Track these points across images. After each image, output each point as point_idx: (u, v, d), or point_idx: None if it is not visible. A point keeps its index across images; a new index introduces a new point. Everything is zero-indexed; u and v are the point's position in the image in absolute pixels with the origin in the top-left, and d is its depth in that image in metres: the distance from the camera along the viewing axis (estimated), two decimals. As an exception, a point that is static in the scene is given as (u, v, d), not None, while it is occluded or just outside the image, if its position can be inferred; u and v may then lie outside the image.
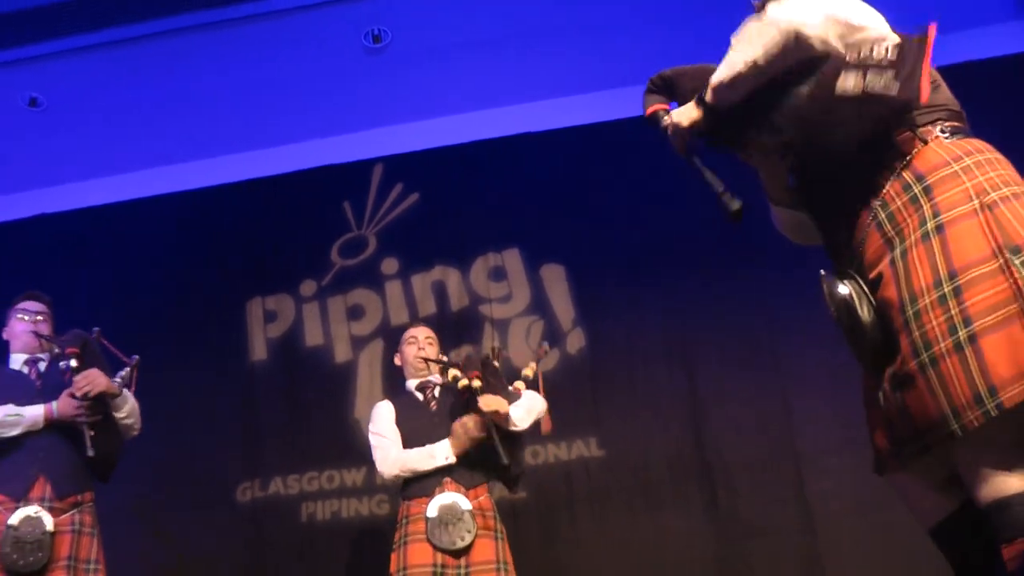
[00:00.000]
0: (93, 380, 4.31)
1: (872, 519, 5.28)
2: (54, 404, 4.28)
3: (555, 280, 6.47)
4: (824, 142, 2.50)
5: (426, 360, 4.79)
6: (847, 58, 2.42)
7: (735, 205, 2.64)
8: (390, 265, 6.73)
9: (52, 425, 4.31)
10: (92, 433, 4.22)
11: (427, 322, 5.21)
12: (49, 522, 4.16)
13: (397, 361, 5.01)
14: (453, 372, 4.53)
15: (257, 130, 7.32)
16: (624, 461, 5.92)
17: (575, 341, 6.27)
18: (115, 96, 6.90)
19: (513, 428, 4.49)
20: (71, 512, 4.30)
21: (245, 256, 7.17)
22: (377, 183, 7.09)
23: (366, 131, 7.32)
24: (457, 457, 4.45)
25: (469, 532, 4.31)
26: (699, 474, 5.77)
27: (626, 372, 6.10)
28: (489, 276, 6.59)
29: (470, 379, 4.46)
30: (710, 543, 5.61)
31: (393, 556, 4.44)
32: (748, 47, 2.53)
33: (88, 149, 7.43)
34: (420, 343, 4.86)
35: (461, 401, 4.55)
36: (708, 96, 2.68)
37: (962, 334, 2.16)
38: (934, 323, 2.22)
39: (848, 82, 2.40)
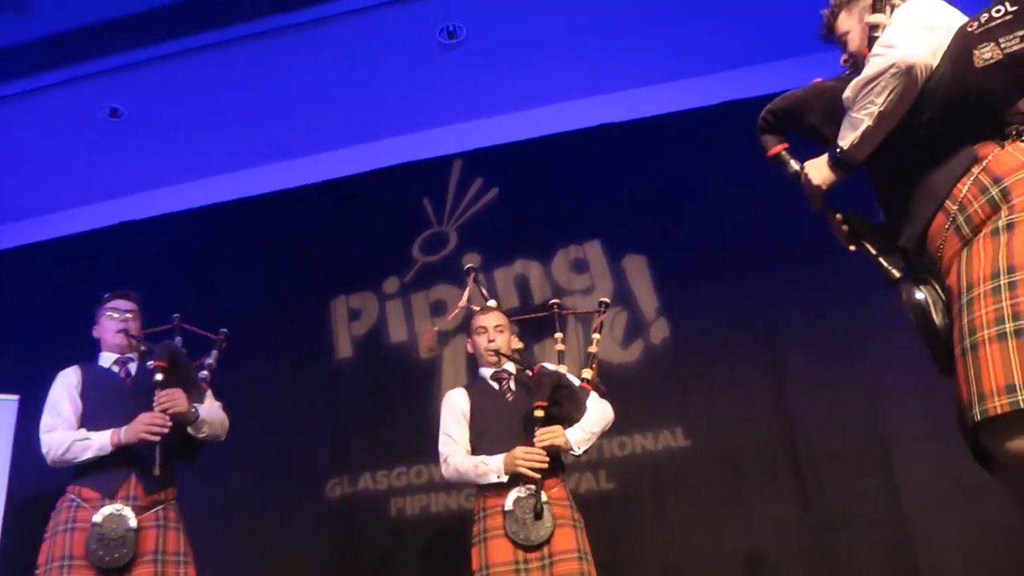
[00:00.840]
0: (173, 400, 4.38)
1: (962, 505, 5.21)
2: (123, 430, 4.30)
3: (637, 271, 6.46)
4: (914, 140, 2.55)
5: (498, 354, 4.75)
6: (969, 29, 2.46)
7: (894, 275, 2.71)
8: (471, 260, 6.70)
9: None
10: (159, 454, 4.27)
11: (510, 315, 5.16)
12: (132, 519, 4.23)
13: (469, 348, 5.02)
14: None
15: (335, 131, 7.44)
16: (711, 451, 5.89)
17: (659, 331, 6.27)
18: (193, 103, 7.03)
19: (573, 454, 4.49)
20: (155, 509, 4.37)
21: (328, 255, 7.27)
22: (456, 179, 7.14)
23: (444, 127, 7.39)
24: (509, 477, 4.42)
25: (548, 525, 4.30)
26: (787, 463, 5.73)
27: (711, 361, 6.07)
28: (571, 268, 6.61)
29: (534, 407, 4.43)
30: (799, 532, 5.57)
31: (474, 552, 4.44)
32: (867, 103, 2.57)
33: (169, 156, 7.61)
34: (490, 333, 4.80)
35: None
36: (843, 159, 2.72)
37: (1009, 326, 2.19)
38: (983, 311, 2.25)
39: (985, 53, 2.42)
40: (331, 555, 6.39)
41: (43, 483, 6.14)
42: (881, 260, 2.74)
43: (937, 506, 5.34)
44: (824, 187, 2.79)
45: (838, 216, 2.87)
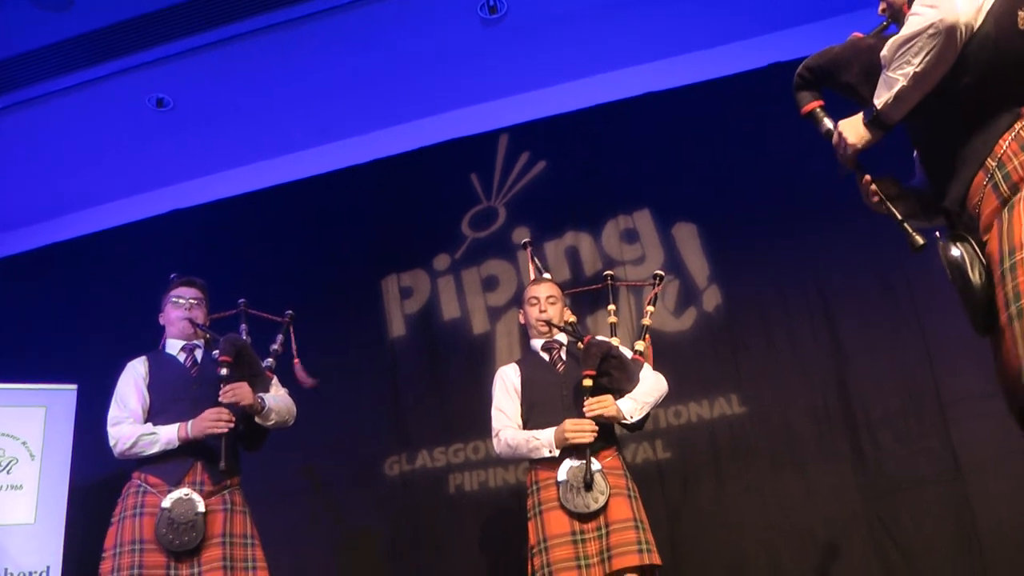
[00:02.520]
0: (239, 393, 4.45)
1: (1020, 463, 5.17)
2: (189, 424, 4.37)
3: (688, 238, 6.45)
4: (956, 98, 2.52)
5: (549, 324, 4.76)
6: None
7: (919, 241, 2.69)
8: (521, 234, 6.74)
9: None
10: (224, 447, 4.37)
11: (562, 287, 5.16)
12: (201, 503, 4.31)
13: (521, 320, 5.06)
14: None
15: (381, 111, 7.51)
16: (767, 417, 5.91)
17: (711, 298, 6.27)
18: (239, 89, 7.14)
19: (625, 422, 4.50)
20: (221, 493, 4.45)
21: (377, 235, 7.35)
22: (503, 153, 7.17)
23: (489, 102, 7.44)
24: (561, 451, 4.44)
25: (603, 494, 4.31)
26: (843, 427, 5.72)
27: (765, 327, 6.07)
28: (621, 239, 6.61)
29: (582, 376, 4.44)
30: (856, 496, 5.56)
31: (530, 525, 4.50)
32: (904, 63, 2.54)
33: (217, 143, 7.74)
34: (542, 304, 4.81)
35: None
36: (878, 119, 2.70)
37: None
38: None
39: None
40: (392, 532, 6.49)
41: (103, 471, 6.30)
42: (906, 226, 2.71)
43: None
44: (859, 146, 2.77)
45: (867, 178, 2.85)
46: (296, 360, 5.15)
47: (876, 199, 2.82)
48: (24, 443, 6.43)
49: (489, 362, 6.61)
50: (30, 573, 6.13)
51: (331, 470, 6.73)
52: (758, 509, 5.72)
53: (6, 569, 6.08)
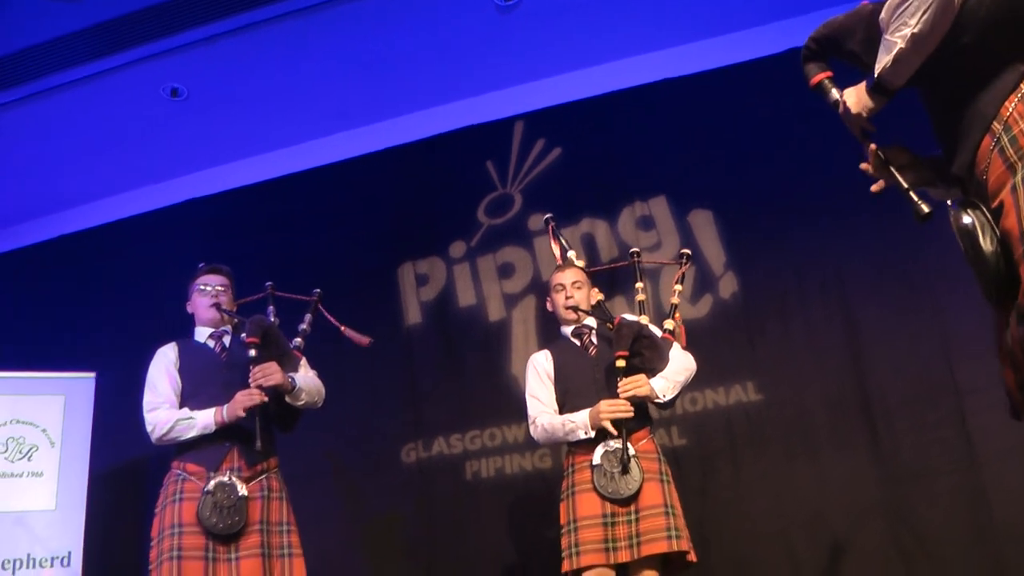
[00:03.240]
0: (269, 373, 4.49)
1: (1037, 454, 5.21)
2: (224, 408, 4.43)
3: (704, 225, 6.45)
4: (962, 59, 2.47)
5: (576, 310, 4.78)
6: None
7: (924, 210, 2.62)
8: (537, 221, 6.77)
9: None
10: (259, 428, 4.41)
11: (586, 269, 5.12)
12: (242, 488, 4.38)
13: (548, 307, 5.05)
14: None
15: (396, 98, 7.54)
16: (783, 405, 5.90)
17: (728, 285, 6.27)
18: (253, 78, 7.17)
19: (658, 401, 4.50)
20: (259, 478, 4.52)
21: (393, 222, 7.39)
22: (519, 140, 7.19)
23: (504, 89, 7.46)
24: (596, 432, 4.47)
25: (636, 479, 4.33)
26: (859, 415, 5.70)
27: (781, 314, 6.06)
28: (637, 225, 6.61)
29: (615, 357, 4.46)
30: (872, 485, 5.56)
31: (562, 506, 4.52)
32: (901, 24, 2.49)
33: (231, 132, 7.79)
34: (568, 290, 4.81)
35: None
36: (879, 84, 2.66)
37: None
38: None
39: None
40: (410, 518, 6.55)
41: (122, 459, 6.37)
42: (912, 194, 2.65)
43: (1011, 456, 5.27)
44: (864, 114, 2.73)
45: (872, 146, 2.80)
46: (343, 328, 5.16)
47: (880, 167, 2.79)
48: (44, 431, 6.51)
49: (505, 349, 6.67)
50: (52, 558, 6.22)
51: (349, 456, 6.81)
52: (773, 496, 5.72)
53: (28, 554, 6.17)
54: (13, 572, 6.13)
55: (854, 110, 2.75)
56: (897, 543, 5.38)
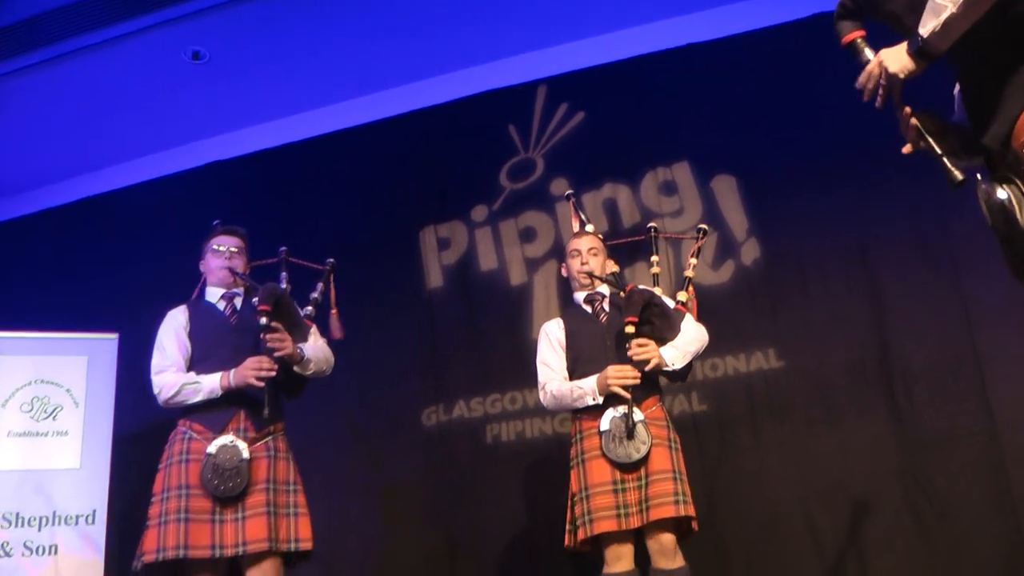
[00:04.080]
0: (279, 342, 4.51)
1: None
2: (231, 374, 4.44)
3: (727, 191, 6.46)
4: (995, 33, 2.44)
5: (591, 276, 4.81)
6: None
7: (957, 176, 2.61)
8: (559, 186, 6.81)
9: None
10: (268, 396, 4.43)
11: (605, 240, 5.17)
12: (245, 450, 4.39)
13: (563, 273, 5.10)
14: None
15: (418, 61, 7.54)
16: (803, 371, 5.91)
17: (750, 252, 6.27)
18: (274, 41, 7.19)
19: (667, 369, 4.54)
20: (265, 439, 4.52)
21: (415, 186, 7.43)
22: (541, 105, 7.20)
23: (526, 54, 7.45)
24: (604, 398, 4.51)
25: (644, 444, 4.37)
26: (879, 383, 5.72)
27: (803, 281, 6.07)
28: (660, 191, 6.62)
29: (625, 323, 4.49)
30: (891, 453, 5.58)
31: (572, 475, 4.59)
32: None
33: (253, 96, 7.82)
34: (584, 256, 4.84)
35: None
36: (924, 48, 2.61)
37: None
38: None
39: None
40: (430, 481, 6.58)
41: (146, 419, 6.43)
42: (946, 161, 2.65)
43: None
44: (902, 77, 2.67)
45: (907, 110, 2.76)
46: (334, 310, 5.19)
47: (915, 133, 2.75)
48: (68, 390, 6.57)
49: (526, 313, 6.70)
50: (76, 516, 6.30)
51: (369, 420, 6.85)
52: (793, 463, 5.75)
53: (54, 512, 6.25)
54: (39, 529, 6.22)
55: (892, 71, 2.69)
56: (915, 511, 5.40)
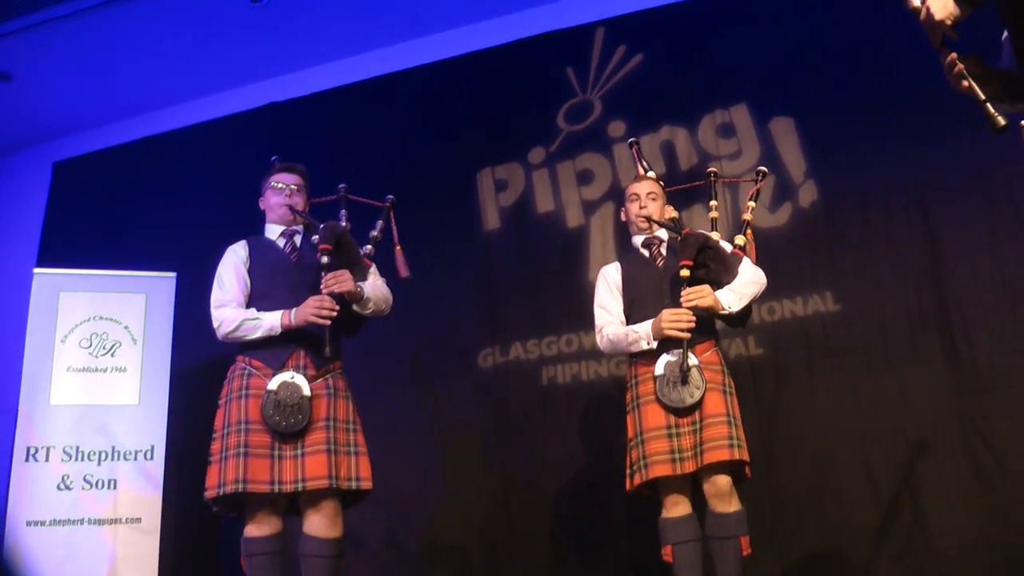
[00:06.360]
0: (340, 280, 4.55)
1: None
2: (292, 312, 4.48)
3: (785, 133, 6.43)
4: None
5: (649, 220, 4.85)
6: None
7: (1000, 122, 2.61)
8: (617, 128, 6.85)
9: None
10: (328, 334, 4.49)
11: (664, 184, 5.23)
12: (306, 386, 4.44)
13: (623, 217, 5.11)
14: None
15: (477, 2, 7.58)
16: (861, 315, 5.88)
17: (807, 194, 6.25)
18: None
19: (723, 312, 4.57)
20: (324, 377, 4.58)
21: (472, 128, 7.47)
22: (599, 46, 7.20)
23: (587, -6, 7.43)
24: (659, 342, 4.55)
25: (698, 388, 4.42)
26: (938, 325, 5.68)
27: (861, 223, 6.02)
28: (717, 133, 6.60)
29: (679, 267, 4.52)
30: (949, 396, 5.53)
31: (628, 419, 4.66)
32: None
33: (311, 37, 7.96)
34: (642, 200, 4.87)
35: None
36: None
37: None
38: None
39: None
40: (486, 423, 6.66)
41: (203, 356, 6.56)
42: (988, 106, 2.63)
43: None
44: (948, 22, 2.68)
45: (952, 55, 2.74)
46: (398, 247, 5.22)
47: (959, 77, 2.73)
48: (126, 327, 6.69)
49: (583, 256, 6.72)
50: (135, 451, 6.43)
51: (426, 360, 6.95)
52: (849, 407, 5.72)
53: (113, 447, 6.39)
54: (99, 463, 6.36)
55: (938, 16, 2.69)
56: (973, 455, 5.37)
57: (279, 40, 7.87)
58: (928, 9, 2.73)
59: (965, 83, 2.72)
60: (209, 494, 4.38)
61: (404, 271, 5.22)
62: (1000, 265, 5.60)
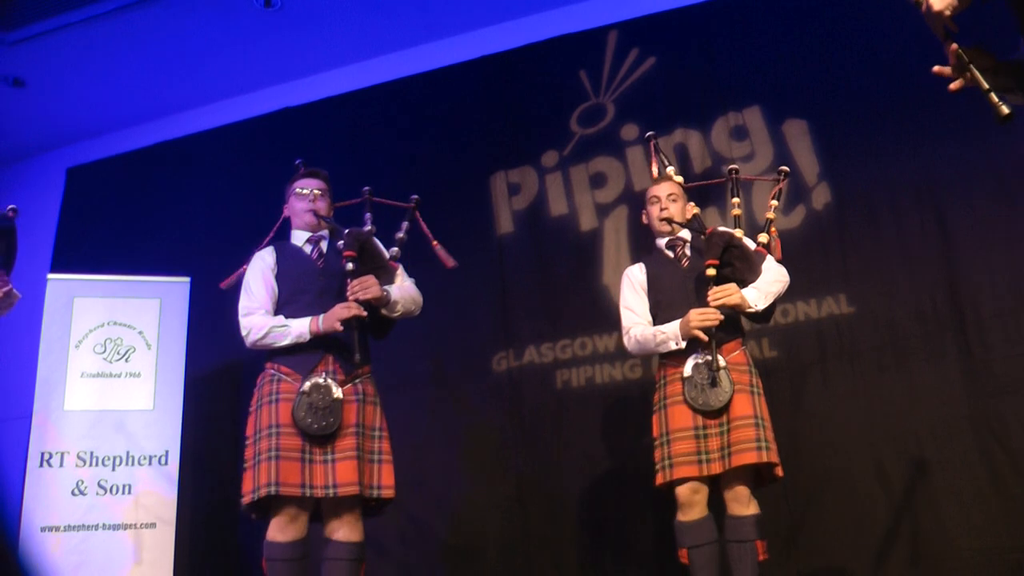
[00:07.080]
0: (366, 286, 4.55)
1: None
2: (320, 318, 4.49)
3: (798, 135, 6.45)
4: None
5: (670, 222, 4.82)
6: None
7: (1004, 111, 2.60)
8: (630, 131, 6.87)
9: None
10: (358, 340, 4.48)
11: (684, 184, 5.17)
12: (337, 390, 4.45)
13: (644, 220, 5.09)
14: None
15: (491, 5, 7.60)
16: (875, 317, 5.90)
17: (821, 196, 6.26)
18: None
19: (750, 310, 4.56)
20: (354, 382, 4.58)
21: (485, 131, 7.49)
22: (612, 50, 7.22)
23: (599, -2, 7.45)
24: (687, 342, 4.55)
25: (726, 392, 4.42)
26: (952, 327, 5.69)
27: (874, 225, 6.06)
28: (731, 136, 6.62)
29: (705, 266, 4.52)
30: (963, 398, 5.54)
31: (654, 419, 4.65)
32: None
33: (323, 42, 7.98)
34: (663, 202, 4.85)
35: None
36: None
37: None
38: None
39: None
40: (501, 426, 6.67)
41: (217, 362, 6.57)
42: (992, 96, 2.61)
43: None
44: (947, 12, 2.63)
45: (953, 46, 2.71)
46: (435, 242, 5.23)
47: (961, 67, 2.72)
48: (140, 332, 6.74)
49: (596, 259, 6.74)
50: (150, 456, 6.47)
51: (439, 364, 6.96)
52: (863, 409, 5.74)
53: (127, 451, 6.43)
54: (113, 469, 6.41)
55: (936, 7, 2.64)
56: (987, 457, 5.38)
57: (292, 45, 7.91)
58: (928, 1, 2.70)
59: (968, 73, 2.71)
60: (245, 500, 4.39)
61: (450, 261, 5.24)
62: (1015, 267, 5.59)
